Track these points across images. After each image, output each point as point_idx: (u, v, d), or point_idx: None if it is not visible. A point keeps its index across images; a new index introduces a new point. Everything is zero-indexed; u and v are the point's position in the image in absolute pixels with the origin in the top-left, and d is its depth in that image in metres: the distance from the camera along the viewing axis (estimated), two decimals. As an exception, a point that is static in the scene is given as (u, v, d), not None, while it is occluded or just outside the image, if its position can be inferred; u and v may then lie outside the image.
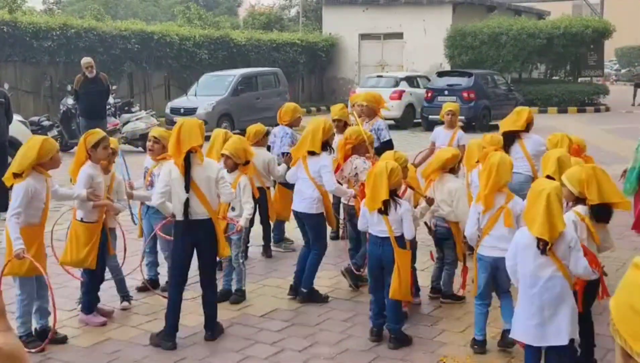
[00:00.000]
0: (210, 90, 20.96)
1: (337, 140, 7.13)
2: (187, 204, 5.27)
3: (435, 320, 5.90)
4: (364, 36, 32.40)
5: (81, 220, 5.67)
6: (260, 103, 20.82)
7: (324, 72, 33.21)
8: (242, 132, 8.25)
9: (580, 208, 4.66)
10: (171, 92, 26.07)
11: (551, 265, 4.23)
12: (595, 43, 30.14)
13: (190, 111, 20.06)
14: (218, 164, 5.82)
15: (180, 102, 21.06)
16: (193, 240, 5.45)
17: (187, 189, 5.26)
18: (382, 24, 31.29)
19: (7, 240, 5.19)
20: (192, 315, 5.90)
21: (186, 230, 5.40)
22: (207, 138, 5.88)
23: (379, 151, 6.89)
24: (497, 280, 5.22)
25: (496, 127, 21.35)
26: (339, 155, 6.73)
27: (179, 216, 5.35)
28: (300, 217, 6.47)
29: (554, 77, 31.99)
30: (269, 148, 7.99)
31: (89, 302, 5.87)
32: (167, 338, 5.38)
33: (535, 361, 4.47)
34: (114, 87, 18.35)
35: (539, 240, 4.18)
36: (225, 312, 6.16)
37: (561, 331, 4.24)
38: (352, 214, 6.67)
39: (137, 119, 16.98)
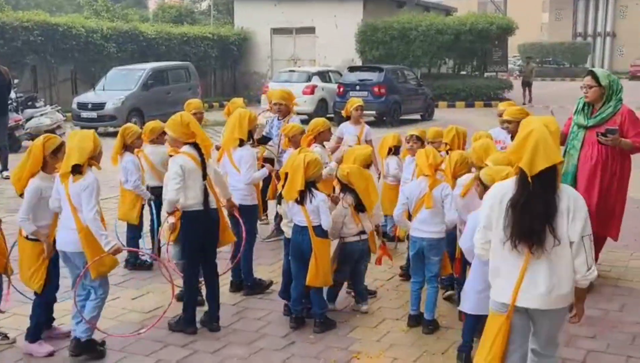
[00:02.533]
0: (119, 84, 20.44)
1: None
2: (206, 193, 5.44)
3: (347, 317, 5.94)
4: (276, 30, 32.34)
5: (27, 237, 5.11)
6: (171, 97, 20.47)
7: (236, 66, 32.97)
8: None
9: None
10: (78, 86, 25.30)
11: None
12: (500, 39, 31.15)
13: (99, 106, 19.51)
14: None
15: (88, 97, 20.45)
16: (206, 228, 5.55)
17: (204, 177, 5.44)
18: (294, 18, 31.32)
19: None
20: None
21: (203, 219, 5.49)
22: (115, 135, 5.69)
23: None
24: (424, 261, 5.61)
25: (406, 122, 21.88)
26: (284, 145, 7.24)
27: (199, 206, 5.44)
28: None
29: (461, 72, 32.82)
30: None
31: (35, 329, 5.20)
32: (187, 324, 5.59)
33: (475, 330, 4.85)
34: (16, 81, 17.61)
35: None
36: (134, 315, 6.02)
37: None
38: None
39: (41, 115, 16.36)
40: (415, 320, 5.66)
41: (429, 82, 26.84)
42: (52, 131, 16.01)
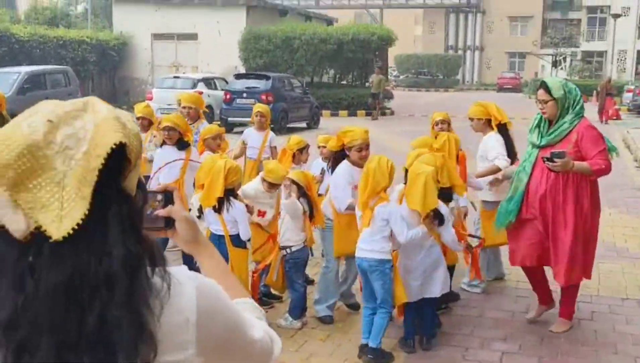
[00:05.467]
0: (-9, 89, 19.24)
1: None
2: None
3: (263, 327, 5.82)
4: (156, 36, 31.63)
5: None
6: (50, 103, 19.50)
7: (115, 71, 31.95)
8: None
9: None
10: (-57, 90, 23.62)
11: (429, 236, 5.03)
12: (380, 50, 31.90)
13: (-31, 112, 18.29)
14: None
15: (-44, 101, 19.10)
16: None
17: None
18: (175, 24, 30.75)
19: None
20: None
21: None
22: None
23: None
24: (371, 285, 5.10)
25: (293, 130, 21.94)
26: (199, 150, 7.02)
27: None
28: None
29: (342, 82, 33.33)
30: None
31: None
32: None
33: (413, 313, 5.26)
34: None
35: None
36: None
37: (436, 286, 5.16)
38: None
39: None
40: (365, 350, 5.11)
41: (312, 91, 27.08)
42: None
